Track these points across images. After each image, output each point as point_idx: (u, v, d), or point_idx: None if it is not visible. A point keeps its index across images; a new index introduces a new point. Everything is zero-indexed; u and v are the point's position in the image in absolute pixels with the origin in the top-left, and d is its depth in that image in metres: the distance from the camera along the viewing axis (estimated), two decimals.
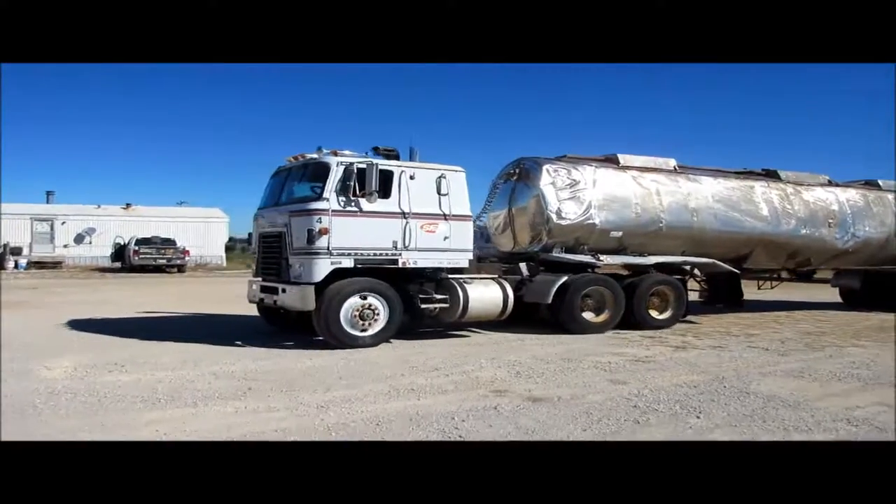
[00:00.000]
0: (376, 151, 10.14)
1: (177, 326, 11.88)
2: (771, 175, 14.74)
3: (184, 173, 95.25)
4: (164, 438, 5.12)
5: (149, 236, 35.03)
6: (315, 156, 10.09)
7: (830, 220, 14.60)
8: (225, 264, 40.86)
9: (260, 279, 10.48)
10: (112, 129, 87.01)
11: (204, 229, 41.53)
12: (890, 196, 16.11)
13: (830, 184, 15.47)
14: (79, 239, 38.64)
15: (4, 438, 4.92)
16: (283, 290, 9.55)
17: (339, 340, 9.31)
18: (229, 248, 44.16)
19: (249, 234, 11.54)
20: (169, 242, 34.86)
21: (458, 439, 5.20)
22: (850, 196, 15.34)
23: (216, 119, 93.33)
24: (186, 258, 34.72)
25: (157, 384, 6.96)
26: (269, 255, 10.22)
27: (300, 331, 10.37)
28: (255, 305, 10.94)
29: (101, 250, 36.91)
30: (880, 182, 16.59)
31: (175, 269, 33.99)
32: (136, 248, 33.36)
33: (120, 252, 33.88)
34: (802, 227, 14.11)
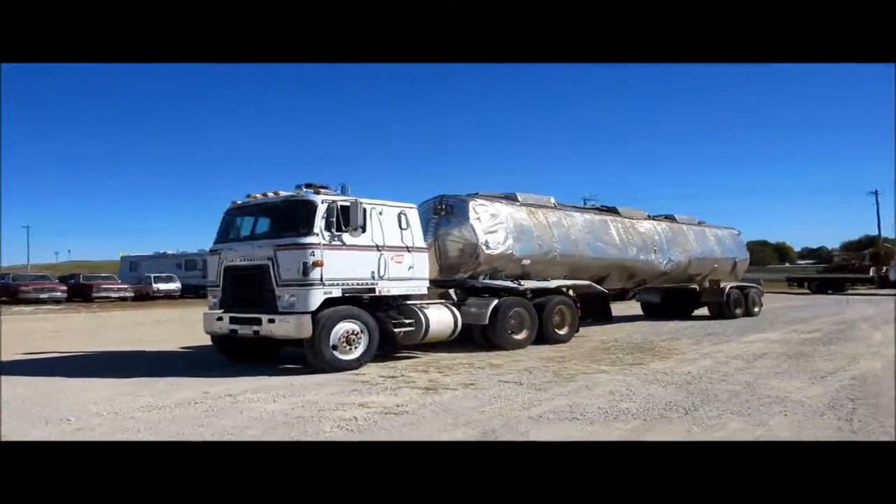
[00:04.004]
0: (308, 187, 10.92)
1: None
2: (612, 210, 17.91)
3: None
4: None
5: None
6: (293, 193, 10.69)
7: (655, 248, 18.13)
8: None
9: (222, 311, 10.69)
10: None
11: None
12: (685, 227, 20.29)
13: (650, 218, 19.16)
14: None
15: None
16: (272, 321, 9.97)
17: (330, 364, 9.98)
18: None
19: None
20: None
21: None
22: (663, 228, 19.13)
23: None
24: None
25: None
26: (244, 288, 10.49)
27: (249, 361, 10.86)
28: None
29: None
30: (676, 216, 20.79)
31: None
32: None
33: None
34: (641, 254, 17.41)
